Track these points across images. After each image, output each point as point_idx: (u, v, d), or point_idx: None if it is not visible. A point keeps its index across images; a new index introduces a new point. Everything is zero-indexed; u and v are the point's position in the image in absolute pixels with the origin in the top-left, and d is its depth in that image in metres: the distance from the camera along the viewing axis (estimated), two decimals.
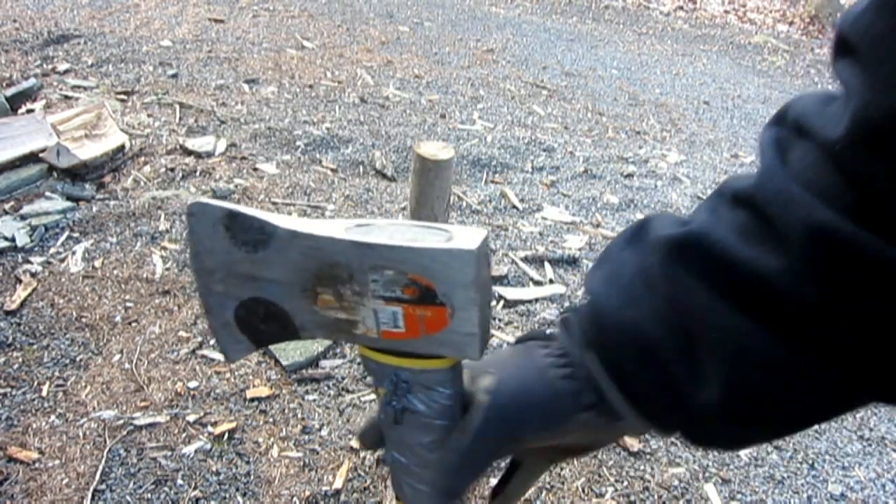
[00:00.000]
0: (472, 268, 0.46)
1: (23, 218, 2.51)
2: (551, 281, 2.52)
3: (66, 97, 3.44)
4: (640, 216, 3.07)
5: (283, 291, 0.52)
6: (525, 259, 2.60)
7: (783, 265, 0.33)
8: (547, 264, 2.61)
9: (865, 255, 0.31)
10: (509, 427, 0.46)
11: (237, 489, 1.59)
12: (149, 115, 3.39)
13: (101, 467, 1.60)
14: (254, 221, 0.50)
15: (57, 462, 1.62)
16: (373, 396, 1.88)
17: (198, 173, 2.94)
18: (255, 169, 3.03)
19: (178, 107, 3.50)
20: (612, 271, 0.43)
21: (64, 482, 1.57)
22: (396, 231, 0.50)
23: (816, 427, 1.98)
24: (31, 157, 2.78)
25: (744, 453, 1.85)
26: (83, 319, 2.09)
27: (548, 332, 0.50)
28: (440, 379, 0.53)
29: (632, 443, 1.81)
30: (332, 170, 3.13)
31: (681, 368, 0.38)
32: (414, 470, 0.55)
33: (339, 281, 0.50)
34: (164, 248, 2.46)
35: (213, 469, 1.63)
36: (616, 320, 0.41)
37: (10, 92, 3.31)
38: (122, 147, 3.01)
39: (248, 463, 1.66)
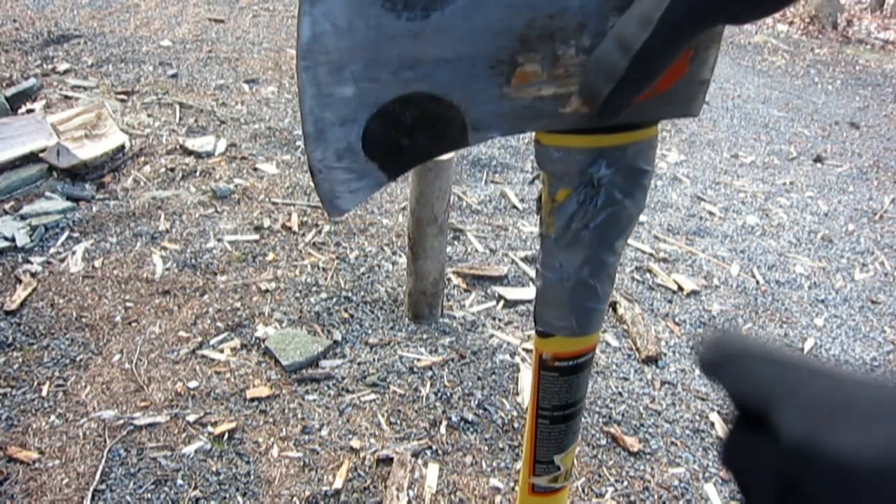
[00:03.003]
0: None
1: (23, 218, 2.51)
2: None
3: (66, 97, 3.44)
4: None
5: (458, 74, 0.37)
6: (525, 259, 2.60)
7: None
8: None
9: None
10: None
11: (237, 489, 1.59)
12: (149, 115, 3.39)
13: (101, 467, 1.60)
14: None
15: (57, 462, 1.62)
16: (373, 397, 1.88)
17: (198, 173, 2.94)
18: (255, 169, 3.03)
19: (178, 107, 3.50)
20: None
21: (64, 482, 1.57)
22: None
23: None
24: (31, 157, 2.78)
25: None
26: (83, 319, 2.09)
27: None
28: (650, 153, 0.44)
29: (632, 443, 1.81)
30: None
31: None
32: (572, 292, 0.46)
33: (560, 37, 0.37)
34: (164, 248, 2.46)
35: (213, 469, 1.63)
36: None
37: (10, 92, 3.31)
38: (122, 147, 3.01)
39: (248, 463, 1.66)
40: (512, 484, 1.66)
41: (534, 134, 0.43)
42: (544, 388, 0.57)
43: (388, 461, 1.69)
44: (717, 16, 0.33)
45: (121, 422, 1.74)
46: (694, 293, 2.56)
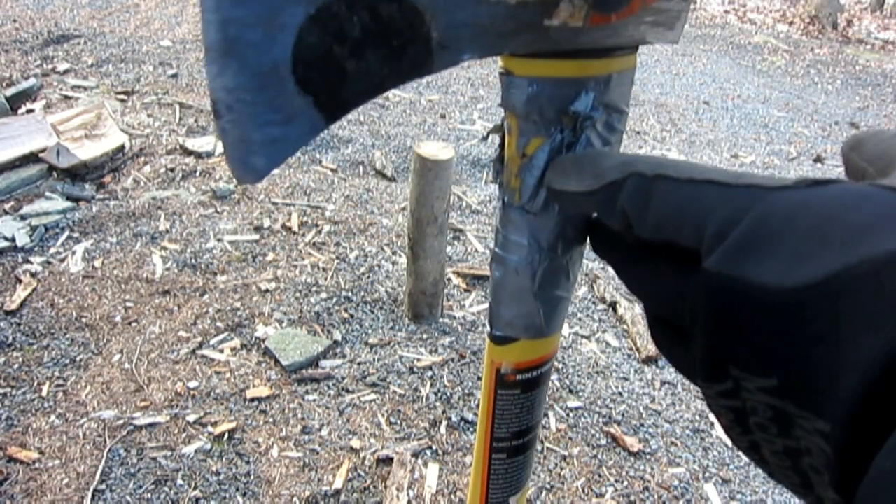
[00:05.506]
0: None
1: (23, 218, 2.51)
2: None
3: (66, 97, 3.44)
4: None
5: None
6: None
7: None
8: None
9: None
10: None
11: (237, 489, 1.59)
12: (149, 115, 3.39)
13: (101, 467, 1.60)
14: None
15: (57, 462, 1.62)
16: (373, 397, 1.88)
17: (198, 173, 2.94)
18: None
19: (178, 107, 3.50)
20: None
21: (64, 482, 1.57)
22: None
23: None
24: (31, 157, 2.78)
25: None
26: (83, 319, 2.09)
27: None
28: (629, 89, 0.36)
29: (632, 443, 1.81)
30: (332, 170, 3.13)
31: None
32: (547, 270, 0.37)
33: None
34: (164, 248, 2.46)
35: (213, 469, 1.63)
36: None
37: (10, 92, 3.31)
38: (122, 147, 3.01)
39: (248, 463, 1.66)
40: None
41: (501, 65, 0.34)
42: (501, 412, 0.45)
43: (388, 461, 1.69)
44: None
45: (121, 422, 1.74)
46: None
